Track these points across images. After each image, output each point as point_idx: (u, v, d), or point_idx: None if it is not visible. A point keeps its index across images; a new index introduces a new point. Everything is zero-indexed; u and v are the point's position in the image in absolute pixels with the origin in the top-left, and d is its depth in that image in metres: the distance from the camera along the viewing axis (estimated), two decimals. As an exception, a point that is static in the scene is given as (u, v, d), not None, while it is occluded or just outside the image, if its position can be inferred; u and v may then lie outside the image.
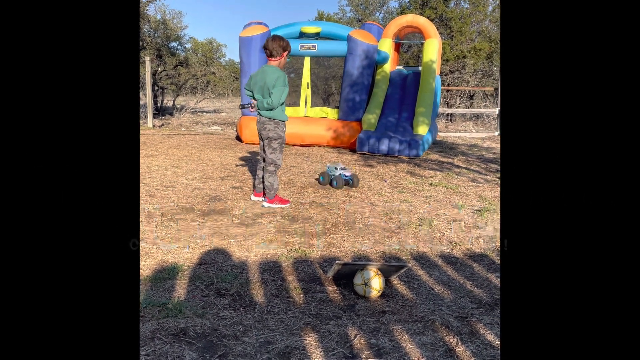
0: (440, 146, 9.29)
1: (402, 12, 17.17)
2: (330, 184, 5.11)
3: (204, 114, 16.83)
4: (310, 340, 2.00)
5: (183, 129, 11.40)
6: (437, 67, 8.55)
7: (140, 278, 2.55)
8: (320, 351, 1.91)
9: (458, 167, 6.79)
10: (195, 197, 4.45)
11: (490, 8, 16.90)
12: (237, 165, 6.26)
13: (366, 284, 2.40)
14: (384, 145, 7.57)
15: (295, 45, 8.21)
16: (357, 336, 2.03)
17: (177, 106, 16.64)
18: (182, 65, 18.00)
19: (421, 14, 15.34)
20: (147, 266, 2.72)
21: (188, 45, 18.45)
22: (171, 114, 15.31)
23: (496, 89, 13.39)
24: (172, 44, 17.15)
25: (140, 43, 15.10)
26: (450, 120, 14.97)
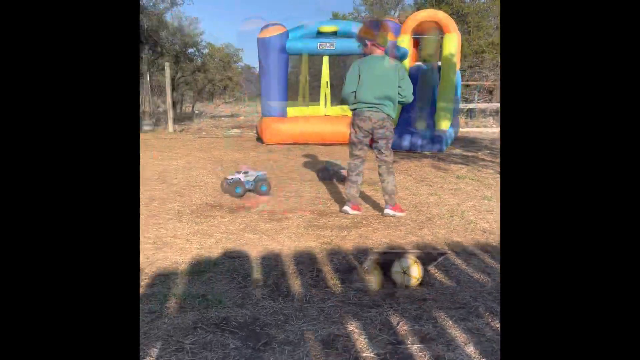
0: (463, 141, 9.19)
1: (417, 10, 17.06)
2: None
3: (223, 119, 16.96)
4: (353, 327, 1.97)
5: (203, 132, 11.49)
6: (457, 61, 8.46)
7: (178, 272, 2.56)
8: (365, 338, 1.88)
9: (483, 160, 6.70)
10: (222, 195, 4.46)
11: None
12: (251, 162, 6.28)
13: (405, 272, 2.37)
14: (406, 141, 7.51)
15: (314, 44, 8.21)
16: (400, 323, 2.00)
17: (196, 112, 16.81)
18: (199, 71, 18.19)
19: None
20: (182, 260, 2.72)
21: (205, 51, 18.63)
22: (190, 119, 15.47)
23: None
24: (189, 50, 17.33)
25: (160, 49, 15.29)
26: (470, 116, 14.79)
